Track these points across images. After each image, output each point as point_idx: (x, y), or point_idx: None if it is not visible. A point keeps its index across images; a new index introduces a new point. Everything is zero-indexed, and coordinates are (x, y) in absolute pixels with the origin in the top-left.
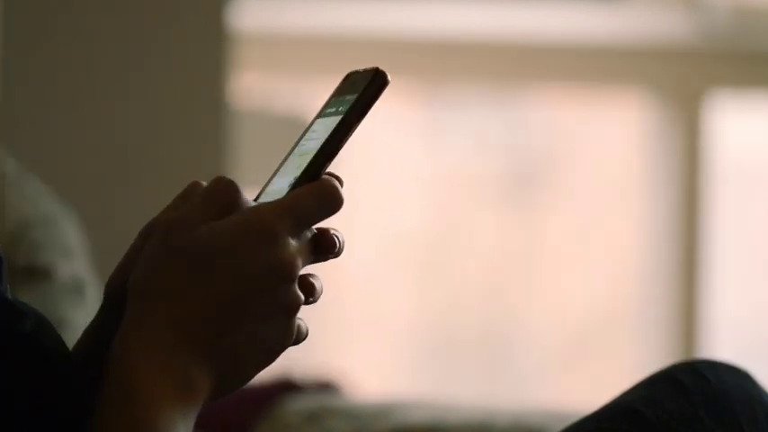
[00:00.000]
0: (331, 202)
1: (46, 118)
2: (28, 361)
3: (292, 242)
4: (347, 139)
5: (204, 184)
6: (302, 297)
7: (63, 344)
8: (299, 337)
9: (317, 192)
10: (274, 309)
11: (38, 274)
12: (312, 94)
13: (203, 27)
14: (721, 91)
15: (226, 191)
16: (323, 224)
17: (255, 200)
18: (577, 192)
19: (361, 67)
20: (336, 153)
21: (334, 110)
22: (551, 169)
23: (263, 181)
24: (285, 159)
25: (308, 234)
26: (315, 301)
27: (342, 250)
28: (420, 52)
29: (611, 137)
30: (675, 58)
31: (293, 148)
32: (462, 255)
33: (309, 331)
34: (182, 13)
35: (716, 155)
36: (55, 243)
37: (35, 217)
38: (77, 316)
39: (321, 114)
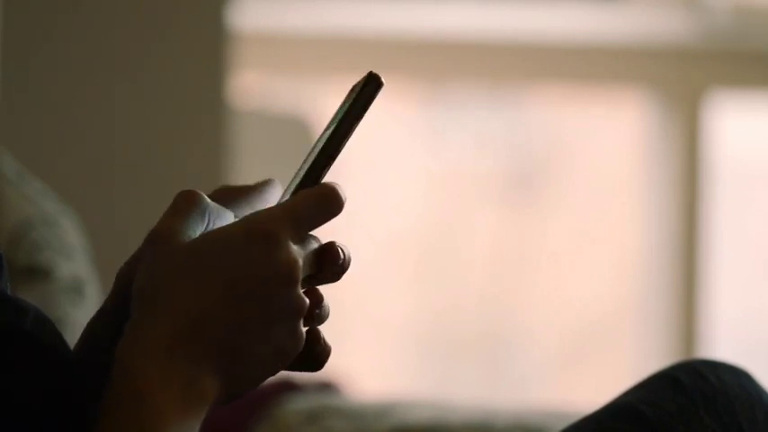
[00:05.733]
0: (331, 203)
1: (46, 118)
2: (28, 358)
3: (293, 245)
4: (345, 142)
5: (200, 193)
6: (307, 301)
7: (63, 341)
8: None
9: (317, 194)
10: (278, 312)
11: (38, 273)
12: (312, 94)
13: (203, 27)
14: (721, 91)
15: (187, 199)
16: (328, 236)
17: None
18: (577, 191)
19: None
20: (335, 157)
21: (333, 118)
22: (551, 169)
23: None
24: (294, 177)
25: (314, 244)
26: (322, 316)
27: (348, 265)
28: (420, 52)
29: (611, 137)
30: (675, 58)
31: (302, 166)
32: (462, 254)
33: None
34: (182, 13)
35: (716, 155)
36: (55, 243)
37: (35, 217)
38: (77, 316)
39: (326, 128)
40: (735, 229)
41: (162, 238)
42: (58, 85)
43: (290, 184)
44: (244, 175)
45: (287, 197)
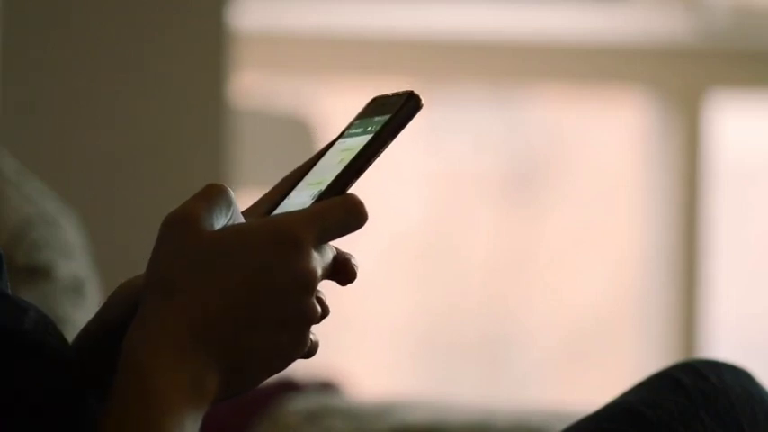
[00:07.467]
0: (357, 217)
1: (46, 118)
2: (29, 358)
3: (315, 254)
4: (377, 157)
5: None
6: (319, 309)
7: (65, 340)
8: (310, 350)
9: (344, 205)
10: (290, 317)
11: (38, 273)
12: (312, 94)
13: (203, 27)
14: (721, 91)
15: (216, 189)
16: (336, 243)
17: (269, 213)
18: (577, 192)
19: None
20: (364, 170)
21: (361, 130)
22: (551, 169)
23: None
24: (303, 176)
25: (330, 253)
26: (323, 318)
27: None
28: (420, 52)
29: (611, 137)
30: (675, 58)
31: (312, 167)
32: (462, 254)
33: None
34: (182, 13)
35: (716, 155)
36: (55, 243)
37: (35, 217)
38: (77, 316)
39: (345, 135)
40: (735, 228)
41: (186, 222)
42: (58, 85)
43: (291, 179)
44: (244, 175)
45: (295, 201)
